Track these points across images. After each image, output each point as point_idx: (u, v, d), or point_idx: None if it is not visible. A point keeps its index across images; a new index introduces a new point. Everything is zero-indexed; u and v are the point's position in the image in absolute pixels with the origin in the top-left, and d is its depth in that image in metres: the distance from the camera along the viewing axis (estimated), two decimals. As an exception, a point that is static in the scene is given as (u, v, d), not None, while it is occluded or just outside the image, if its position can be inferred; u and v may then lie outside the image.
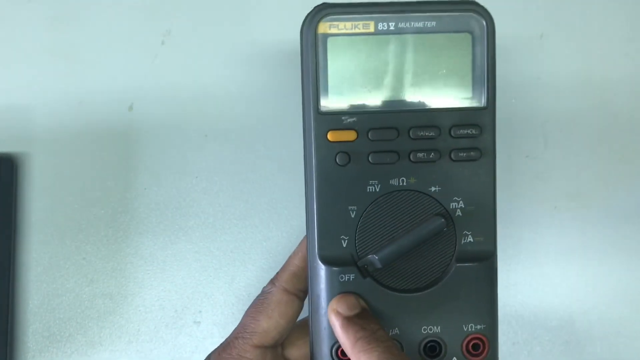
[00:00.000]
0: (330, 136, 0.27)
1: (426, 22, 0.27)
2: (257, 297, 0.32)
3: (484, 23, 0.27)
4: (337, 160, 0.27)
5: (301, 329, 0.32)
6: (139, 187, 0.40)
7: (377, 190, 0.27)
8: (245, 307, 0.39)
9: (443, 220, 0.27)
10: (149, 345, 0.40)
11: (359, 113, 0.27)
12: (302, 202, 0.40)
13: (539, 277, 0.40)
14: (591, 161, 0.41)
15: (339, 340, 0.26)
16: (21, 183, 0.40)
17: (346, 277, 0.27)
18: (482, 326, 0.28)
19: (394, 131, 0.27)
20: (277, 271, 0.32)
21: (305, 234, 0.30)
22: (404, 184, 0.27)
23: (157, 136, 0.40)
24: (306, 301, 0.31)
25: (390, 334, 0.27)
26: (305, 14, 0.27)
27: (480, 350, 0.28)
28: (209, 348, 0.40)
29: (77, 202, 0.40)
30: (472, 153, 0.27)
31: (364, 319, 0.26)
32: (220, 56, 0.41)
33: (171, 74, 0.41)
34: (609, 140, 0.41)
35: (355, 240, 0.27)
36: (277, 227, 0.40)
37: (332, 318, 0.27)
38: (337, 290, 0.27)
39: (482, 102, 0.27)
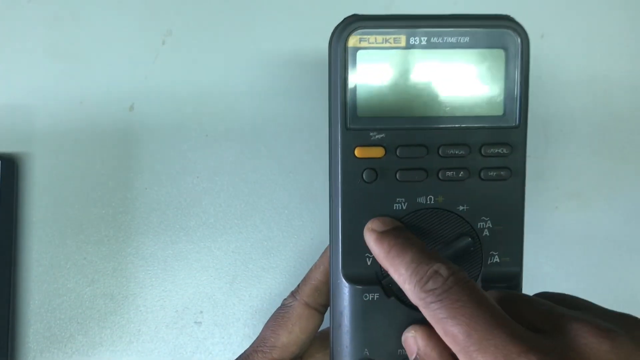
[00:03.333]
0: (358, 152, 0.26)
1: (459, 38, 0.25)
2: (278, 309, 0.31)
3: (519, 40, 0.25)
4: (364, 176, 0.26)
5: (320, 341, 0.32)
6: (139, 187, 0.40)
7: (404, 208, 0.26)
8: (246, 308, 0.40)
9: (470, 239, 0.26)
10: (150, 345, 0.40)
11: (388, 129, 0.26)
12: (303, 202, 0.40)
13: (540, 278, 0.40)
14: (592, 161, 0.41)
15: (375, 255, 0.25)
16: (22, 183, 0.39)
17: (370, 296, 0.26)
18: None
19: (423, 149, 0.26)
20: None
21: (321, 246, 0.28)
22: (432, 202, 0.26)
23: (157, 136, 0.40)
24: (327, 314, 0.30)
25: None
26: (328, 23, 0.26)
27: None
28: (210, 348, 0.40)
29: (78, 202, 0.40)
30: (502, 172, 0.26)
31: (398, 231, 0.25)
32: (221, 56, 0.40)
33: (172, 74, 0.40)
34: (610, 140, 0.41)
35: None
36: (278, 227, 0.40)
37: (367, 236, 0.25)
38: (361, 308, 0.26)
39: (514, 121, 0.26)
